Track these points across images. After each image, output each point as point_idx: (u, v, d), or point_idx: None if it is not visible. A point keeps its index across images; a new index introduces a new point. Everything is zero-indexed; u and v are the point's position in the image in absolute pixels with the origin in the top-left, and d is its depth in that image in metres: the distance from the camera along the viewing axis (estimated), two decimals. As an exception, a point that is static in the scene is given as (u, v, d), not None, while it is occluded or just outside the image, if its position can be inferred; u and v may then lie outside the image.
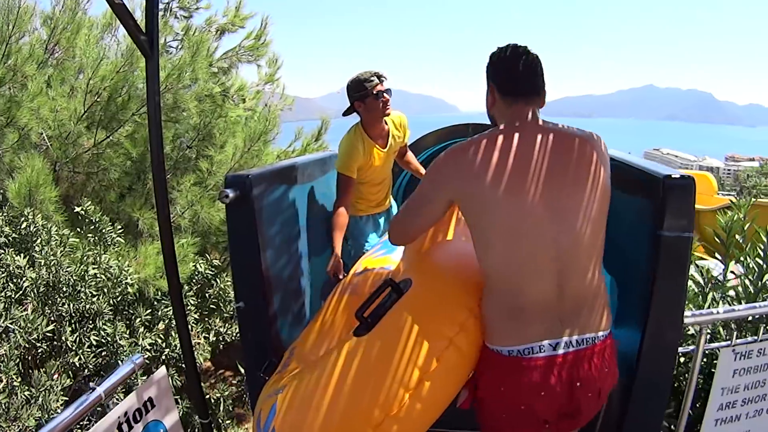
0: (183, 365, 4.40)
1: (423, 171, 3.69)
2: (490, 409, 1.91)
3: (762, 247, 3.27)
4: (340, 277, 2.90)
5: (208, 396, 4.55)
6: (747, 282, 3.23)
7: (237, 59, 4.89)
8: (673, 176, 2.10)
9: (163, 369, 2.37)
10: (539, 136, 1.82)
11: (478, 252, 1.84)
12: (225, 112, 4.74)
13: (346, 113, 3.30)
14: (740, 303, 3.14)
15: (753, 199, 3.85)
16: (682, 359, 3.00)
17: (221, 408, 4.52)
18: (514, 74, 1.91)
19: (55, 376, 3.63)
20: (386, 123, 3.31)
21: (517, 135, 1.82)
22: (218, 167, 4.60)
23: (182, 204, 4.58)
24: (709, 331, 2.46)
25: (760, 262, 3.23)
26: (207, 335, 4.51)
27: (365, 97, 3.09)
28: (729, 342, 2.49)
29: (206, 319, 4.56)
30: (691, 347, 2.53)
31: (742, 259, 3.43)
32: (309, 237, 3.02)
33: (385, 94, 3.10)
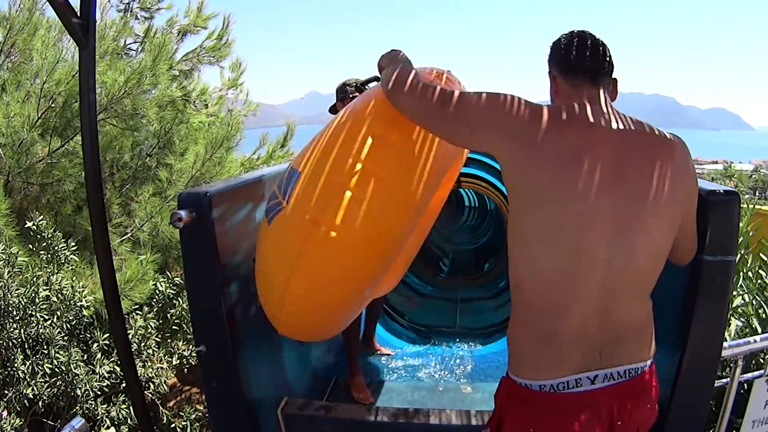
0: (146, 393, 3.95)
1: None
2: None
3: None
4: None
5: (174, 425, 4.10)
6: (759, 300, 2.89)
7: (198, 61, 4.41)
8: (717, 192, 1.73)
9: None
10: (616, 124, 1.39)
11: (512, 249, 1.44)
12: (187, 117, 4.26)
13: (331, 110, 3.23)
14: (751, 322, 2.80)
15: (755, 207, 3.51)
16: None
17: (188, 433, 4.04)
18: (577, 49, 1.50)
19: (5, 414, 3.19)
20: None
21: (588, 114, 1.40)
22: (179, 176, 4.11)
23: (141, 216, 4.07)
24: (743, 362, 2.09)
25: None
26: (170, 359, 4.01)
27: (345, 98, 3.13)
28: (763, 372, 2.13)
29: (168, 341, 4.07)
30: (725, 380, 2.17)
31: (749, 274, 3.07)
32: None
33: None
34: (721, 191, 1.74)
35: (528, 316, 1.45)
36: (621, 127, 1.40)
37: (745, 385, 2.26)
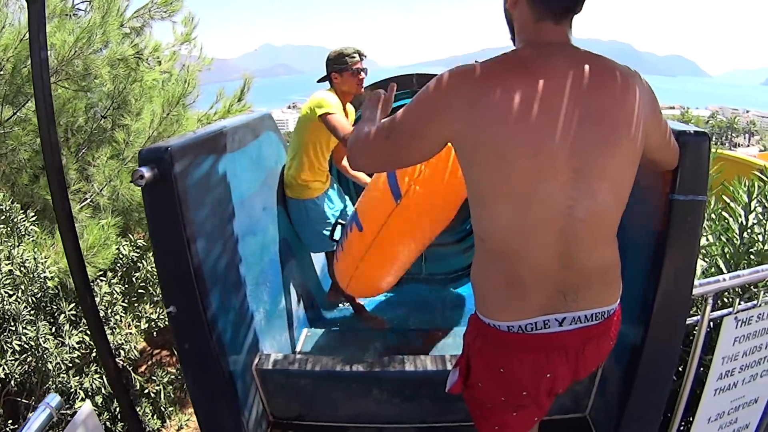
0: (117, 361, 3.87)
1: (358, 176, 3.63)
2: (485, 394, 1.57)
3: (738, 202, 2.96)
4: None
5: (147, 390, 4.06)
6: (724, 240, 2.93)
7: (150, 16, 4.19)
8: (688, 132, 1.72)
9: (87, 405, 1.82)
10: (573, 71, 1.31)
11: (472, 204, 1.43)
12: (140, 76, 4.06)
13: (321, 80, 3.26)
14: (719, 262, 2.84)
15: (718, 151, 3.54)
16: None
17: (162, 397, 4.06)
18: None
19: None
20: (347, 108, 3.28)
21: (545, 64, 1.32)
22: (136, 137, 3.94)
23: (100, 180, 3.90)
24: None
25: (739, 218, 2.92)
26: (138, 323, 3.93)
27: (344, 70, 3.11)
28: (731, 309, 2.16)
29: (135, 305, 3.97)
30: (695, 318, 2.19)
31: (712, 216, 3.10)
32: (244, 215, 2.46)
33: (362, 72, 3.14)
34: (692, 131, 1.73)
35: (492, 262, 1.44)
36: (580, 70, 1.32)
37: (711, 324, 2.29)
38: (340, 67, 3.09)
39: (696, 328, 2.19)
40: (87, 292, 1.97)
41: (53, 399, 1.66)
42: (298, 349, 3.04)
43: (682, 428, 2.40)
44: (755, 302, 2.21)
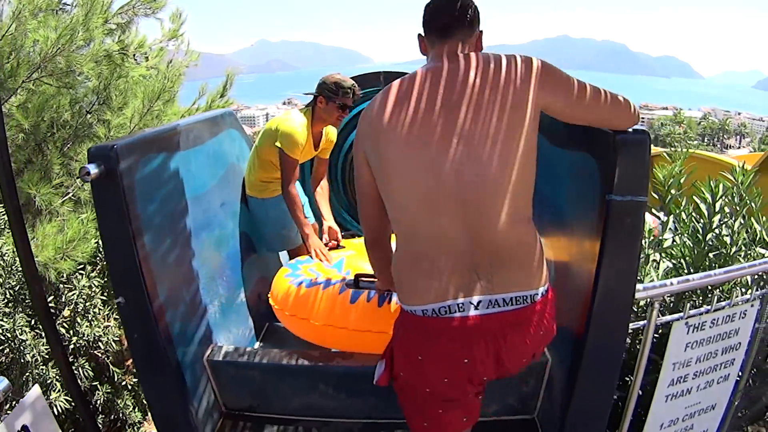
0: (95, 353, 3.91)
1: (324, 209, 3.53)
2: (408, 385, 1.60)
3: (705, 202, 2.93)
4: (329, 259, 2.90)
5: (125, 383, 4.08)
6: (687, 240, 2.90)
7: (134, 13, 4.22)
8: (626, 131, 1.71)
9: (36, 389, 1.91)
10: (451, 65, 1.50)
11: (386, 204, 1.53)
12: (126, 72, 4.09)
13: (307, 94, 3.21)
14: (683, 264, 2.81)
15: (689, 151, 3.51)
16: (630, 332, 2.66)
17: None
18: (434, 9, 1.62)
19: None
20: (323, 130, 3.33)
21: (427, 70, 1.52)
22: (117, 131, 3.98)
23: (81, 175, 3.93)
24: (660, 304, 2.10)
25: (702, 219, 2.90)
26: (117, 317, 3.95)
27: (331, 100, 3.07)
28: (682, 314, 2.14)
29: (114, 298, 4.00)
30: (642, 322, 2.18)
31: (682, 215, 3.07)
32: (199, 210, 2.50)
33: (347, 110, 3.12)
34: (631, 130, 1.71)
35: (404, 247, 1.51)
36: (464, 63, 1.49)
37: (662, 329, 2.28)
38: (329, 96, 3.06)
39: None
40: (35, 281, 2.02)
41: (1, 382, 1.75)
42: (257, 343, 3.08)
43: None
44: (708, 307, 2.19)
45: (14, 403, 1.84)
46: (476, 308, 1.42)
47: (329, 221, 3.41)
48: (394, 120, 1.44)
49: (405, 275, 1.50)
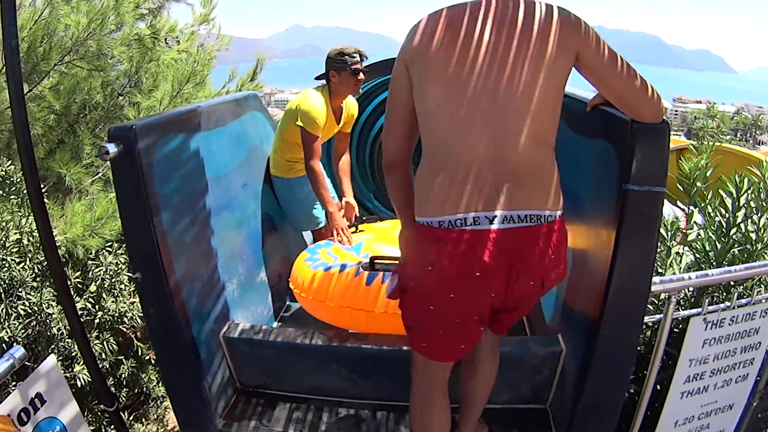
0: (120, 328, 4.00)
1: (345, 184, 3.53)
2: (415, 299, 1.64)
3: (731, 197, 2.85)
4: (349, 238, 2.94)
5: (148, 357, 4.18)
6: (711, 235, 2.83)
7: (165, -1, 4.31)
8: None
9: (51, 358, 1.95)
10: (485, 5, 1.52)
11: (419, 118, 1.57)
12: (156, 55, 4.17)
13: (318, 77, 3.22)
14: (707, 258, 2.74)
15: (716, 144, 3.42)
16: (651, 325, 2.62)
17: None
18: None
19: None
20: (343, 104, 3.30)
21: (472, 2, 1.54)
22: (147, 113, 4.07)
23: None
24: (678, 298, 2.05)
25: (726, 214, 2.82)
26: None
27: (342, 69, 3.06)
28: (700, 310, 2.09)
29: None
30: (658, 316, 2.13)
31: (707, 209, 2.99)
32: (220, 191, 2.53)
33: (360, 74, 3.09)
34: None
35: (429, 160, 1.53)
36: (508, 6, 1.51)
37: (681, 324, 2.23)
38: (339, 66, 3.06)
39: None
40: (53, 253, 2.06)
41: (17, 351, 1.79)
42: (276, 322, 3.11)
43: (649, 430, 2.35)
44: (729, 304, 2.13)
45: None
46: (491, 222, 1.46)
47: (348, 197, 3.43)
48: (438, 41, 1.49)
49: (426, 188, 1.54)
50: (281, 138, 3.24)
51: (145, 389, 4.34)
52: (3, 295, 3.40)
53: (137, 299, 4.03)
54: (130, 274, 3.92)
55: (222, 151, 2.59)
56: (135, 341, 4.05)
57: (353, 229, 3.22)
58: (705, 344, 2.16)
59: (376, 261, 2.52)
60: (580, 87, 2.13)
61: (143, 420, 4.43)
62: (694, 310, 2.14)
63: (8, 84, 1.99)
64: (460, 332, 1.63)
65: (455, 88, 1.47)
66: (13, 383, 2.70)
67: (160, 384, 4.37)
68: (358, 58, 3.07)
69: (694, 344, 2.14)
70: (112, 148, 1.81)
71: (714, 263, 2.66)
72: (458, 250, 1.47)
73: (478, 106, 1.45)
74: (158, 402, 4.62)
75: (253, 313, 2.79)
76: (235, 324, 2.45)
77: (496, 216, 1.45)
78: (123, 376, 4.04)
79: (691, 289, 2.53)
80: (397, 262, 2.32)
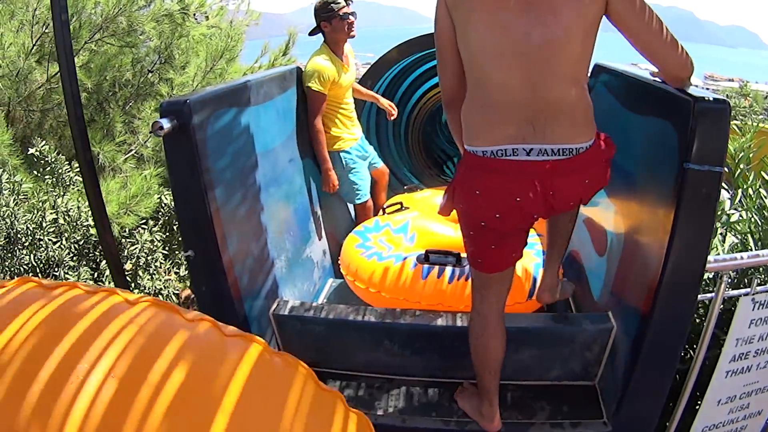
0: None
1: (373, 94, 3.75)
2: (466, 217, 1.83)
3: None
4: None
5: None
6: (754, 216, 2.81)
7: (195, -27, 4.27)
8: (706, 98, 1.66)
9: None
10: None
11: (462, 55, 1.69)
12: (186, 31, 4.15)
13: (312, 33, 3.28)
14: (750, 239, 2.72)
15: (759, 125, 3.37)
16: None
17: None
18: None
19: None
20: (346, 50, 3.33)
21: None
22: (180, 90, 4.07)
23: (145, 133, 4.05)
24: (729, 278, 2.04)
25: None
26: (177, 270, 4.08)
27: (332, 18, 3.11)
28: (749, 290, 2.08)
29: (176, 252, 4.12)
30: (708, 295, 2.13)
31: (749, 191, 2.96)
32: (268, 166, 2.53)
33: (350, 16, 3.14)
34: (710, 98, 1.66)
35: (474, 96, 1.68)
36: None
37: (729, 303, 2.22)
38: (328, 15, 3.10)
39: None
40: (107, 234, 2.08)
41: None
42: (321, 298, 3.11)
43: (690, 408, 2.36)
44: (777, 284, 2.13)
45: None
46: (528, 154, 1.61)
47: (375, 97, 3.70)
48: None
49: (471, 120, 1.69)
50: None
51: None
52: (40, 276, 3.44)
53: (172, 277, 4.07)
54: (165, 252, 3.96)
55: (270, 125, 2.59)
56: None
57: (398, 206, 3.24)
58: (752, 324, 2.15)
59: (431, 254, 2.60)
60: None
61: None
62: (742, 290, 2.13)
63: (59, 59, 2.00)
64: (510, 244, 1.82)
65: (496, 31, 1.57)
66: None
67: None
68: (343, 3, 3.10)
69: (742, 324, 2.12)
70: (165, 123, 1.80)
71: (760, 244, 2.65)
72: (500, 178, 1.64)
73: (517, 48, 1.56)
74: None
75: (299, 290, 2.80)
76: (284, 301, 2.45)
77: (532, 149, 1.61)
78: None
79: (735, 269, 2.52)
80: (452, 253, 2.59)
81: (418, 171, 4.99)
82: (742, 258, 2.03)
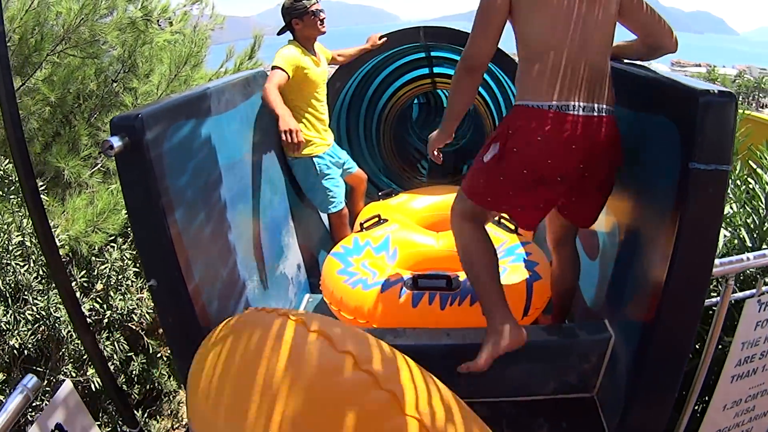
0: (129, 325, 3.80)
1: (361, 46, 3.62)
2: (512, 164, 1.90)
3: (763, 168, 2.67)
4: (300, 139, 2.66)
5: (159, 354, 3.99)
6: (748, 209, 2.65)
7: (156, -21, 4.02)
8: (710, 92, 1.49)
9: (67, 384, 1.72)
10: None
11: (521, 27, 1.87)
12: (150, 38, 3.89)
13: (281, 32, 3.14)
14: (745, 234, 2.57)
15: (745, 112, 3.22)
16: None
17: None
18: None
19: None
20: (316, 48, 3.21)
21: None
22: (144, 99, 3.80)
23: (111, 146, 3.76)
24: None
25: (761, 186, 2.64)
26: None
27: (303, 14, 3.00)
28: (754, 291, 1.93)
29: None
30: (717, 298, 1.97)
31: (737, 182, 2.81)
32: (234, 179, 2.29)
33: (321, 12, 3.05)
34: (715, 91, 1.50)
35: (535, 58, 1.84)
36: None
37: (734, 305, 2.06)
38: (299, 12, 2.98)
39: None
40: (55, 254, 1.81)
41: (30, 380, 1.53)
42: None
43: (695, 414, 2.20)
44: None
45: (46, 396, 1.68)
46: (582, 110, 1.81)
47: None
48: None
49: (536, 80, 1.84)
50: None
51: (156, 384, 4.17)
52: (10, 301, 3.19)
53: (145, 295, 3.82)
54: (136, 269, 3.71)
55: (234, 135, 2.36)
56: (145, 338, 3.85)
57: (375, 219, 3.04)
58: (757, 326, 2.00)
59: (419, 278, 2.41)
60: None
61: (157, 417, 4.26)
62: (747, 292, 1.98)
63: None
64: (543, 194, 1.93)
65: (557, 12, 1.80)
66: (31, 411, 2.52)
67: (171, 378, 4.19)
68: (313, 0, 3.02)
69: (747, 326, 1.98)
70: (116, 142, 1.56)
71: (750, 240, 2.49)
72: (565, 128, 1.80)
73: (571, 24, 1.79)
74: (171, 397, 4.45)
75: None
76: None
77: (584, 106, 1.81)
78: (134, 372, 3.86)
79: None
80: (442, 276, 2.41)
81: (393, 173, 4.78)
82: (748, 259, 1.86)
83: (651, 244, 1.79)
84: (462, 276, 2.43)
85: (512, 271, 2.52)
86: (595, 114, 1.82)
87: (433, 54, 4.25)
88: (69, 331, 3.31)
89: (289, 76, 2.86)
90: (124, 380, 3.86)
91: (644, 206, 1.88)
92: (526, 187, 1.90)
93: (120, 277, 3.62)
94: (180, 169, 1.82)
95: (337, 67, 3.69)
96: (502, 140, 1.90)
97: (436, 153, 2.22)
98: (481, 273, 2.03)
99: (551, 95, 1.82)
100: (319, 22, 3.03)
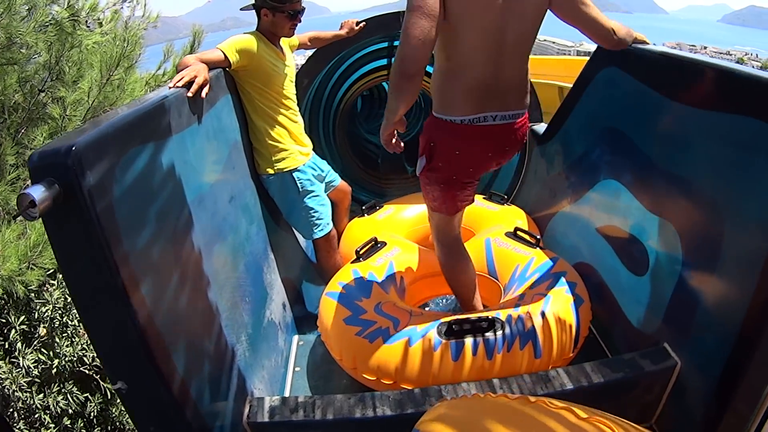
0: (82, 370, 3.17)
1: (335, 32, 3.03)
2: (441, 173, 1.95)
3: None
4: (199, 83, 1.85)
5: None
6: None
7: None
8: None
9: None
10: None
11: (444, 41, 1.76)
12: (78, 40, 3.16)
13: (244, 9, 2.49)
14: None
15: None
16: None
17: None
18: None
19: None
20: (281, 43, 2.60)
21: None
22: (74, 109, 3.06)
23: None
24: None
25: None
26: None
27: (278, 10, 2.41)
28: None
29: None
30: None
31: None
32: (206, 217, 1.69)
33: (299, 16, 2.48)
34: None
35: (454, 75, 1.80)
36: None
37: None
38: (275, 7, 2.39)
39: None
40: None
41: None
42: (290, 366, 2.27)
43: None
44: None
45: None
46: (494, 120, 1.84)
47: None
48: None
49: (452, 96, 1.82)
50: (252, 118, 2.44)
51: (117, 424, 3.56)
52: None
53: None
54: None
55: (201, 157, 1.73)
56: (101, 383, 3.21)
57: (372, 244, 2.55)
58: None
59: (454, 324, 1.89)
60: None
61: (122, 457, 3.65)
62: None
63: None
64: (469, 191, 2.05)
65: (480, 30, 1.70)
66: None
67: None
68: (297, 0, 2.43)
69: None
70: (40, 194, 0.97)
71: None
72: (477, 140, 1.86)
73: (491, 41, 1.73)
74: (133, 434, 3.85)
75: (269, 370, 1.98)
76: (258, 400, 1.64)
77: (497, 115, 1.84)
78: (92, 414, 3.24)
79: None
80: (482, 319, 1.93)
81: (352, 173, 4.14)
82: None
83: (736, 259, 1.45)
84: (495, 311, 1.97)
85: (556, 300, 2.02)
86: (510, 120, 1.87)
87: (395, 44, 3.72)
88: (13, 390, 2.69)
89: (229, 63, 2.23)
90: (82, 425, 3.24)
91: (719, 217, 1.53)
92: (460, 187, 1.99)
93: (65, 318, 2.97)
94: (139, 221, 1.21)
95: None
96: (427, 153, 1.94)
97: (394, 142, 2.03)
98: (464, 290, 2.21)
99: (468, 109, 1.82)
100: (290, 26, 2.47)
